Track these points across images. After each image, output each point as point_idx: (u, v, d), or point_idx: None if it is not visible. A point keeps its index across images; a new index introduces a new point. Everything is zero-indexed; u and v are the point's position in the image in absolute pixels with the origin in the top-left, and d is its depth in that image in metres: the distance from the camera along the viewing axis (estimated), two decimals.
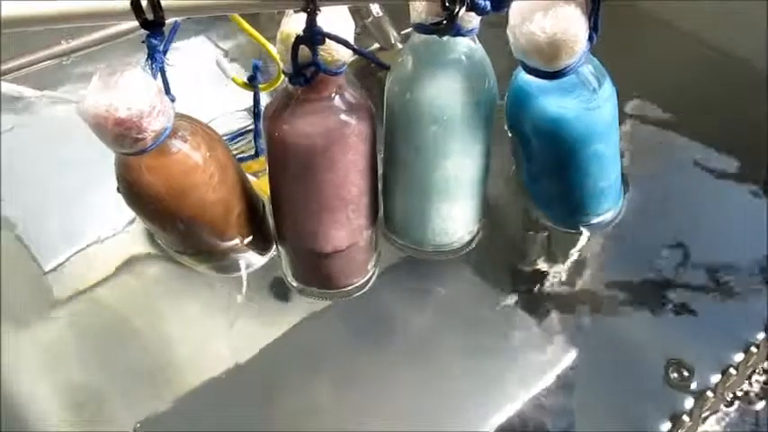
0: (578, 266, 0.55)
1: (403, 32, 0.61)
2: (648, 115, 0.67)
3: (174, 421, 0.52)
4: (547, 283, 0.54)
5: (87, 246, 0.61)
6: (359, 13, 0.59)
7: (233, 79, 0.47)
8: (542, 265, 0.54)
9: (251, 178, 0.48)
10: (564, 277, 0.54)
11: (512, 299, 0.54)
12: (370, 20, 0.59)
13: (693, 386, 0.48)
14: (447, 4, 0.31)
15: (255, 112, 0.48)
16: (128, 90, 0.32)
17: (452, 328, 0.53)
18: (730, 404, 0.47)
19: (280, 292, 0.57)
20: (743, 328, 0.51)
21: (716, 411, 0.47)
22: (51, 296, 0.60)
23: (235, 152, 0.50)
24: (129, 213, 0.37)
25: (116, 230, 0.63)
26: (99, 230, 0.62)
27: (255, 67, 0.45)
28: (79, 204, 0.64)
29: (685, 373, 0.48)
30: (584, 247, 0.55)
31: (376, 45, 0.62)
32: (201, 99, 0.51)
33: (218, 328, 0.58)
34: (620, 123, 0.39)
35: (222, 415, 0.52)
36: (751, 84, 0.69)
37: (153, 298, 0.61)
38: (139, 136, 0.32)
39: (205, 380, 0.54)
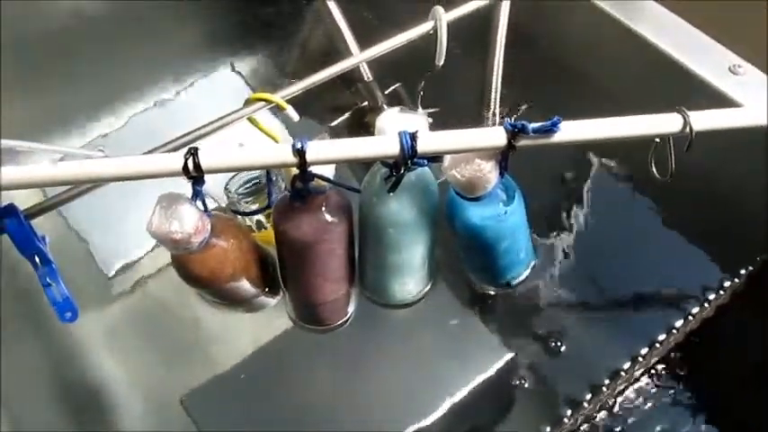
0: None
1: (386, 92, 0.75)
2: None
3: (213, 393, 0.67)
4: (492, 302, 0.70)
5: (143, 255, 0.78)
6: (352, 75, 0.73)
7: None
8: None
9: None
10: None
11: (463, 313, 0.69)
12: (360, 84, 0.73)
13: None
14: (392, 172, 0.46)
15: (268, 178, 0.63)
16: (180, 220, 0.47)
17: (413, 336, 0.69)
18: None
19: None
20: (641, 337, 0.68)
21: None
22: (113, 293, 0.77)
23: (255, 205, 0.66)
24: None
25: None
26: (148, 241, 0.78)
27: None
28: (130, 220, 0.80)
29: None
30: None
31: (365, 103, 0.76)
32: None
33: (242, 317, 0.73)
34: None
35: (251, 388, 0.67)
36: None
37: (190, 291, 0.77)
38: (188, 246, 0.48)
39: (237, 358, 0.69)
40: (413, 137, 0.45)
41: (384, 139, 0.45)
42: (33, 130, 0.83)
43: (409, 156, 0.45)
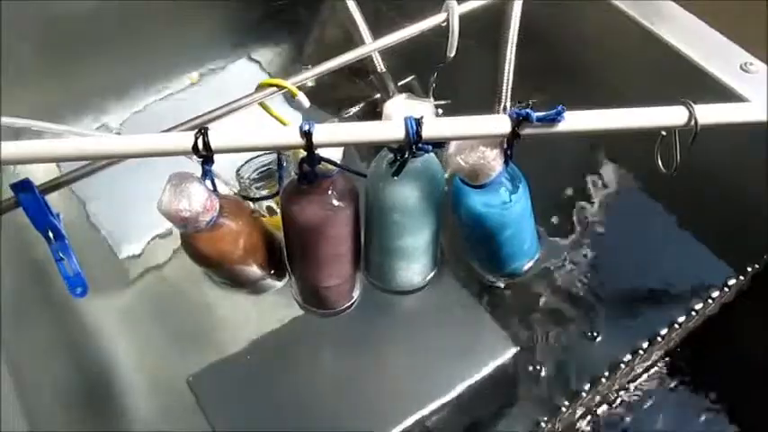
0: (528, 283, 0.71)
1: (399, 84, 0.76)
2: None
3: (219, 374, 0.68)
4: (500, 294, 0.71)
5: (154, 237, 0.79)
6: (366, 67, 0.74)
7: None
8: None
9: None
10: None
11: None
12: (373, 76, 0.73)
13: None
14: (397, 157, 0.47)
15: (279, 164, 0.64)
16: (189, 198, 0.48)
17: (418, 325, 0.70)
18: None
19: None
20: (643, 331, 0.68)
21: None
22: (127, 275, 0.78)
23: (265, 190, 0.67)
24: None
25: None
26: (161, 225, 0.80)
27: None
28: (143, 204, 0.80)
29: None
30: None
31: (378, 95, 0.77)
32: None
33: (249, 300, 0.73)
34: None
35: (256, 371, 0.68)
36: None
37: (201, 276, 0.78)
38: (196, 225, 0.49)
39: (245, 343, 0.70)
40: (418, 122, 0.45)
41: (390, 124, 0.46)
42: (50, 113, 0.84)
43: (414, 140, 0.45)
